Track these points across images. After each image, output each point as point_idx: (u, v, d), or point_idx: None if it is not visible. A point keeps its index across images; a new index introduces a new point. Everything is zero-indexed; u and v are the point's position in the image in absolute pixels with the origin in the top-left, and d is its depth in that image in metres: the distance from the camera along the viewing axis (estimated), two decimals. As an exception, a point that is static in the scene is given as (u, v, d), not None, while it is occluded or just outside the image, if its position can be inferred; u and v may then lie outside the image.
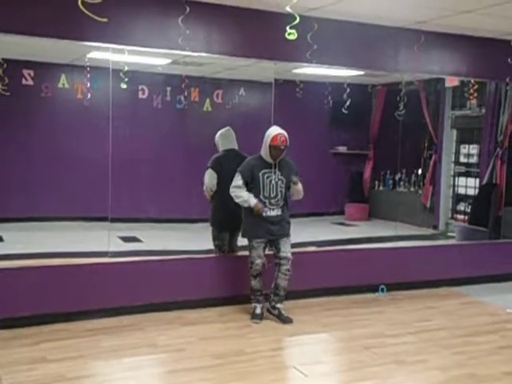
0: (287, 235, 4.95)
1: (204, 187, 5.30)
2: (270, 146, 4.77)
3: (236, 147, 5.38)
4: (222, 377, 3.78)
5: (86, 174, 7.73)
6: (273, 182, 4.84)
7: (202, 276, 5.22)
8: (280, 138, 4.75)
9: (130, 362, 4.01)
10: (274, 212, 4.86)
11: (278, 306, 4.95)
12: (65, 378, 3.66)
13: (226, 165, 5.17)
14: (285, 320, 4.88)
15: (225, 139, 5.36)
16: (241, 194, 4.83)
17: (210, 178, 5.24)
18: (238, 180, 4.85)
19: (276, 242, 4.90)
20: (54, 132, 7.93)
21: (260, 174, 4.83)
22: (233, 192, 4.86)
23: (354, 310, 5.34)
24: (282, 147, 4.77)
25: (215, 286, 5.26)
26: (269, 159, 4.84)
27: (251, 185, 4.85)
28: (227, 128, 5.42)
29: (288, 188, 4.93)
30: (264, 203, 4.83)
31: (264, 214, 4.82)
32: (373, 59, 5.84)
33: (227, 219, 5.26)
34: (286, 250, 4.88)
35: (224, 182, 5.05)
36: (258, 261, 4.85)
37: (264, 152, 4.85)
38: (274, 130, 4.82)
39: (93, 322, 4.70)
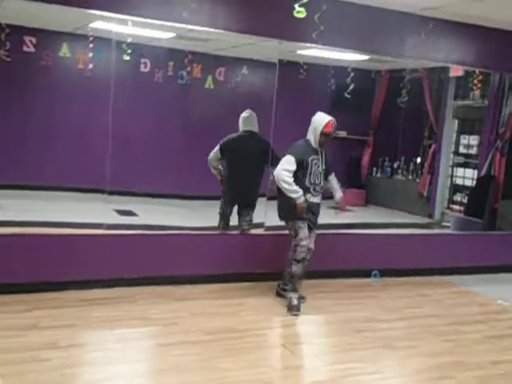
0: (316, 228, 4.92)
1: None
2: (321, 133, 4.68)
3: (254, 129, 5.49)
4: (210, 352, 3.81)
5: (84, 144, 7.66)
6: (319, 169, 4.77)
7: (197, 252, 5.23)
8: (332, 124, 4.67)
9: (121, 333, 4.03)
10: (316, 199, 4.79)
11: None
12: (56, 346, 3.68)
13: (239, 145, 5.41)
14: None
15: (245, 121, 5.48)
16: (294, 186, 4.59)
17: (212, 154, 5.45)
18: (291, 164, 4.60)
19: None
20: (54, 101, 7.84)
21: (310, 160, 4.71)
22: (285, 176, 4.57)
23: (347, 294, 5.38)
24: (333, 134, 4.74)
25: (210, 262, 5.27)
26: (316, 146, 4.75)
27: (298, 170, 4.66)
28: (248, 110, 5.52)
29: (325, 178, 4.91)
30: (309, 189, 4.73)
31: (308, 200, 4.71)
32: (379, 43, 5.79)
33: (235, 195, 5.53)
34: (312, 241, 4.87)
35: (235, 161, 5.38)
36: (305, 242, 4.70)
37: (313, 138, 4.73)
38: (326, 117, 4.70)
39: (86, 292, 4.72)
